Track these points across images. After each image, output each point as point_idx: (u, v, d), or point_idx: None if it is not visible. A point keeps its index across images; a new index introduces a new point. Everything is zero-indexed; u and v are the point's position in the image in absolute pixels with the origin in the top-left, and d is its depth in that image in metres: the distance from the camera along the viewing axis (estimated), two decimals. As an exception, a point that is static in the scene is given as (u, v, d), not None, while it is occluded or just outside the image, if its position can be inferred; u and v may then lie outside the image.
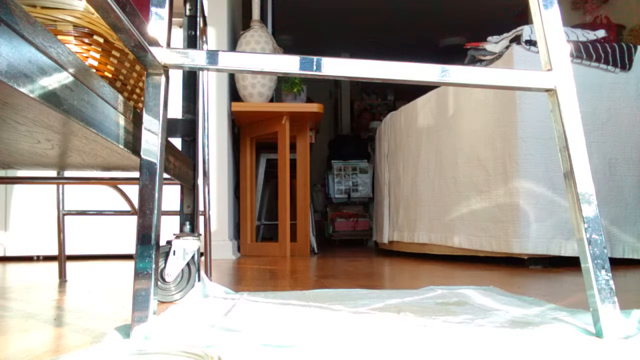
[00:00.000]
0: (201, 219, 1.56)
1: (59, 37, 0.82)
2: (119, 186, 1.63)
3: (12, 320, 0.90)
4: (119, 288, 1.41)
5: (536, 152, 1.99)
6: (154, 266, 0.71)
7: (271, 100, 3.17)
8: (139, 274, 0.71)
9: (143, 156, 0.74)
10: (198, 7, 1.33)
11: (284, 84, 3.20)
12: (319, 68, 0.76)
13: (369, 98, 6.99)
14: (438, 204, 2.55)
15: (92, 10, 0.83)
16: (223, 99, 3.05)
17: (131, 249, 2.84)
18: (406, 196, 2.92)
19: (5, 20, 0.40)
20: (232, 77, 3.26)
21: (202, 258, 1.90)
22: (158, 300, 1.10)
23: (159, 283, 1.11)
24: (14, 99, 0.47)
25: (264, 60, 0.76)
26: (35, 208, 2.87)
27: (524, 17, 4.11)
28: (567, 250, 1.95)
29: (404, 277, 1.68)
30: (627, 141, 2.11)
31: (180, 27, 2.68)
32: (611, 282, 0.73)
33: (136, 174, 1.26)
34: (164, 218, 0.94)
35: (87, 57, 0.85)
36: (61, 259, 1.64)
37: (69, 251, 2.56)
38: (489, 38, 2.27)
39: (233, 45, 3.30)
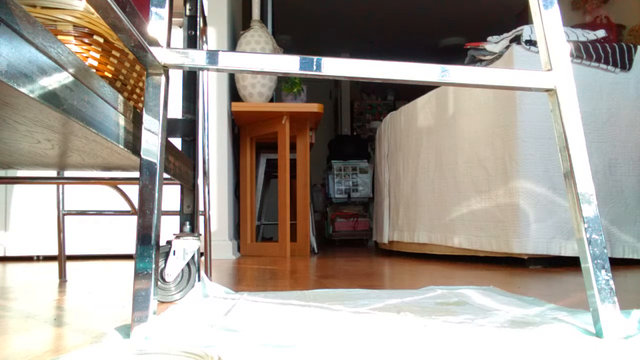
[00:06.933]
0: (201, 219, 1.56)
1: (59, 37, 0.82)
2: (119, 186, 1.63)
3: (12, 320, 0.90)
4: (119, 288, 1.41)
5: (536, 152, 1.99)
6: (154, 266, 0.71)
7: (271, 100, 3.17)
8: (139, 274, 0.71)
9: (143, 156, 0.74)
10: (198, 7, 1.33)
11: (284, 84, 3.20)
12: (319, 68, 0.76)
13: (369, 98, 7.00)
14: (438, 204, 2.55)
15: (92, 10, 0.83)
16: (223, 99, 3.05)
17: (131, 249, 2.84)
18: (406, 196, 2.92)
19: (5, 20, 0.40)
20: (232, 77, 3.26)
21: (202, 258, 1.90)
22: (158, 300, 1.10)
23: (159, 283, 1.11)
24: (14, 99, 0.47)
25: (264, 60, 0.76)
26: (35, 208, 2.87)
27: (524, 17, 4.11)
28: (567, 250, 1.95)
29: (404, 277, 1.68)
30: (627, 141, 2.11)
31: (180, 27, 2.68)
32: (611, 282, 0.73)
33: (136, 174, 1.26)
34: (164, 218, 0.94)
35: (87, 57, 0.85)
36: (61, 259, 1.64)
37: (69, 251, 2.56)
38: (489, 38, 2.27)
39: (233, 45, 3.30)
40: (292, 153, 3.21)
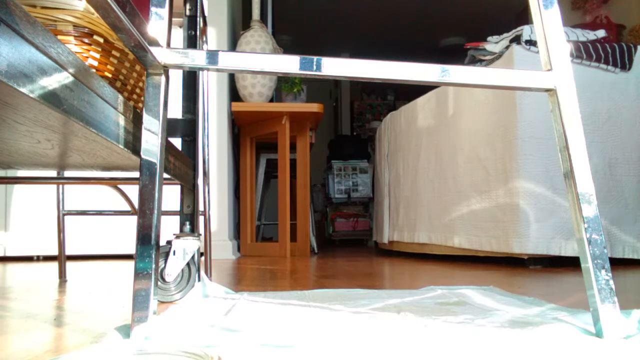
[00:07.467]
0: (201, 219, 1.56)
1: (59, 37, 0.82)
2: (119, 186, 1.63)
3: (12, 320, 0.90)
4: (119, 288, 1.41)
5: (536, 152, 1.99)
6: (154, 266, 0.71)
7: (271, 100, 3.17)
8: (139, 274, 0.71)
9: (143, 156, 0.74)
10: (198, 7, 1.33)
11: (284, 84, 3.20)
12: (319, 68, 0.76)
13: (369, 98, 7.00)
14: (438, 204, 2.55)
15: (92, 10, 0.83)
16: (223, 99, 3.05)
17: (131, 249, 2.84)
18: (406, 196, 2.92)
19: (5, 20, 0.40)
20: (232, 77, 3.26)
21: (202, 258, 1.90)
22: (158, 300, 1.10)
23: (159, 283, 1.11)
24: (14, 99, 0.47)
25: (264, 60, 0.76)
26: (35, 208, 2.87)
27: (524, 17, 4.11)
28: (567, 250, 1.95)
29: (404, 277, 1.68)
30: (627, 141, 2.11)
31: (180, 27, 2.68)
32: (611, 282, 0.73)
33: (136, 174, 1.26)
34: (164, 218, 0.94)
35: (87, 57, 0.85)
36: (61, 259, 1.64)
37: (69, 251, 2.56)
38: (489, 38, 2.27)
39: (233, 45, 3.30)
40: (292, 153, 3.21)
